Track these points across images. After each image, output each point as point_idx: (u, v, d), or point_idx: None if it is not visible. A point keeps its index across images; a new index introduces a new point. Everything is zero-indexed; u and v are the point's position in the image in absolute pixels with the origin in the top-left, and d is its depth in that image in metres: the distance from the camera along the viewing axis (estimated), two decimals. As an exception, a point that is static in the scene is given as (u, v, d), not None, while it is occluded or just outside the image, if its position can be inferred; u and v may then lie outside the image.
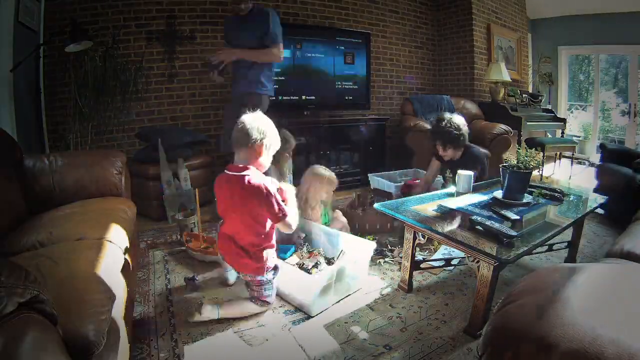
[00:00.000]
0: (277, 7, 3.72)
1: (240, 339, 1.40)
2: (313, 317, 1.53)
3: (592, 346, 0.65)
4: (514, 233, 1.37)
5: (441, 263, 1.94)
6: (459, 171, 2.02)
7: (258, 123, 1.42)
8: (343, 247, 1.85)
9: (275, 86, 3.48)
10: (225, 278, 1.79)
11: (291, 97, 3.58)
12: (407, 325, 1.49)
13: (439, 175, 2.71)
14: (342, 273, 1.62)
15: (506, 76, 4.29)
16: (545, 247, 2.05)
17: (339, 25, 4.05)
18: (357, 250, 1.77)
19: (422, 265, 1.83)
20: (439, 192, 2.11)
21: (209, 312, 1.45)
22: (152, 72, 3.28)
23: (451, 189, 2.09)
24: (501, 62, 4.44)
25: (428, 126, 3.59)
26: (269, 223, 1.46)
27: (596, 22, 4.81)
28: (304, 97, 3.64)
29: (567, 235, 2.01)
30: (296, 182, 2.37)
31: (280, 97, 3.50)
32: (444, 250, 2.12)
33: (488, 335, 0.79)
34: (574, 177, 4.29)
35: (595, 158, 4.81)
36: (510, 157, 1.87)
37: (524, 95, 4.58)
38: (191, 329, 1.45)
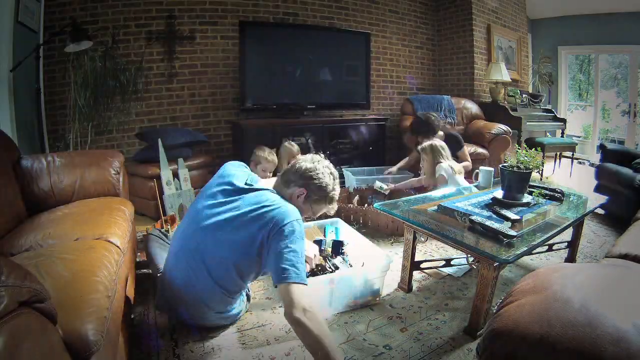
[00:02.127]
0: (277, 7, 3.72)
1: (241, 339, 1.39)
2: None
3: (592, 346, 0.65)
4: (513, 233, 1.37)
5: (441, 263, 1.94)
6: (481, 167, 2.14)
7: None
8: (344, 239, 1.83)
9: (274, 87, 3.51)
10: None
11: (291, 98, 3.58)
12: (407, 325, 1.49)
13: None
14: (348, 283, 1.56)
15: (506, 76, 4.29)
16: (545, 247, 2.05)
17: (339, 25, 4.05)
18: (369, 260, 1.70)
19: (422, 265, 1.83)
20: (438, 192, 2.12)
21: None
22: (152, 72, 3.27)
23: (450, 189, 2.09)
24: (501, 62, 4.43)
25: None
26: None
27: (596, 22, 4.81)
28: (303, 97, 3.65)
29: (567, 235, 2.01)
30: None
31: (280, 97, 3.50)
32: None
33: (488, 335, 0.79)
34: (574, 177, 4.29)
35: (595, 158, 4.81)
36: (510, 157, 1.87)
37: (524, 95, 4.57)
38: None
